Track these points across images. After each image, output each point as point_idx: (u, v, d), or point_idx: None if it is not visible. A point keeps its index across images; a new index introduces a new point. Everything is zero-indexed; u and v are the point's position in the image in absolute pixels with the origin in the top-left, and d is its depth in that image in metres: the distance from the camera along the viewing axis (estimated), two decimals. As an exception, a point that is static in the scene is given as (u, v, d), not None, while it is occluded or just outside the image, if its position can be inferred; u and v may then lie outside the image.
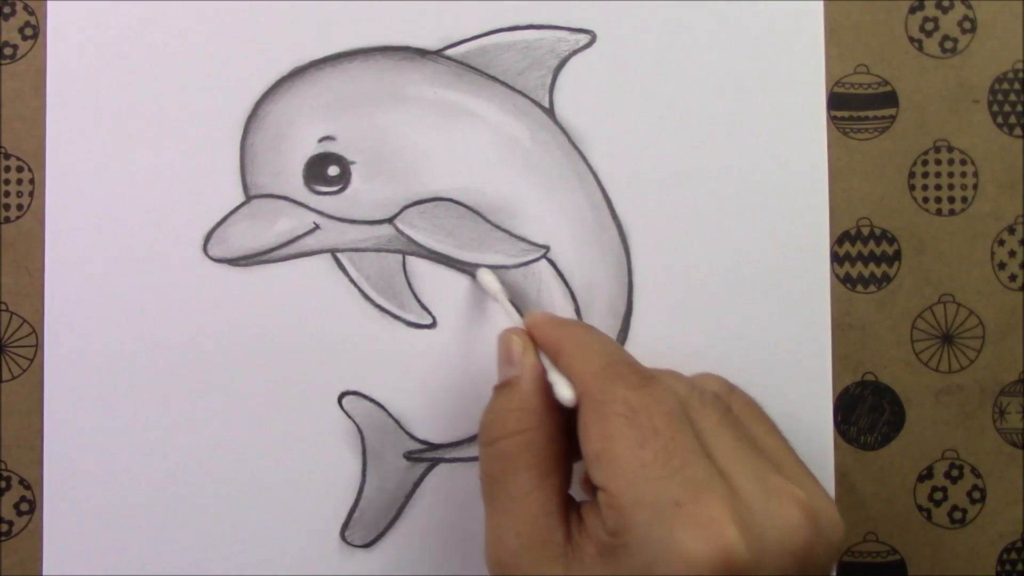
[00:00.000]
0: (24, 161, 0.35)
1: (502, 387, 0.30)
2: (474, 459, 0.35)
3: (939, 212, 0.36)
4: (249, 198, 0.35)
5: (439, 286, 0.35)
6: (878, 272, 0.36)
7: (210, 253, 0.35)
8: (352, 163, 0.35)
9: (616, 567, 0.25)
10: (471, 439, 0.35)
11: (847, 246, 0.36)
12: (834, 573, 0.27)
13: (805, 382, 0.35)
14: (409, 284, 0.35)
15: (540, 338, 0.30)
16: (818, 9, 0.36)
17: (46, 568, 0.34)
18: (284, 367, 0.35)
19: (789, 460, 0.29)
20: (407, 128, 0.35)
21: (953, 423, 0.36)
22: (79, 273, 0.34)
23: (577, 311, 0.35)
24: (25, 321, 0.35)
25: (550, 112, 0.35)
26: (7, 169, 0.35)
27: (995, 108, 0.36)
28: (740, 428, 0.28)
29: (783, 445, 0.29)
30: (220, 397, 0.35)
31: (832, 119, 0.36)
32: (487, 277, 0.34)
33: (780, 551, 0.25)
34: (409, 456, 0.35)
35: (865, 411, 0.36)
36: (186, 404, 0.34)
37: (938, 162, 0.36)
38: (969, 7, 0.36)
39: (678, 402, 0.27)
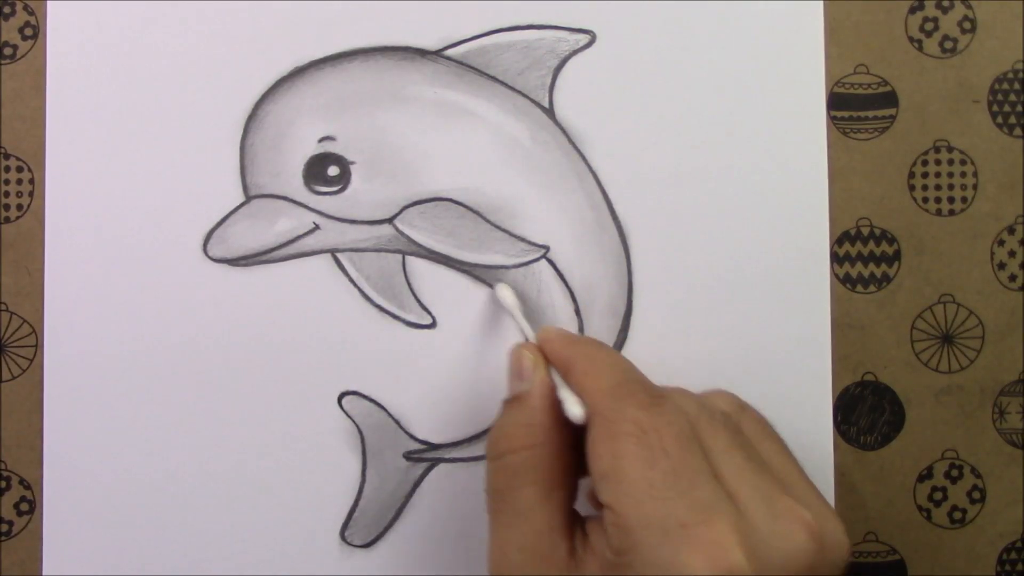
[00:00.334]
0: (24, 161, 0.35)
1: (511, 402, 0.29)
2: (474, 459, 0.35)
3: (939, 212, 0.36)
4: (249, 198, 0.35)
5: (439, 286, 0.35)
6: (878, 272, 0.36)
7: (210, 253, 0.35)
8: (352, 163, 0.35)
9: None
10: (471, 439, 0.35)
11: (847, 246, 0.36)
12: None
13: (805, 382, 0.35)
14: (409, 284, 0.35)
15: (551, 354, 0.30)
16: (818, 9, 0.36)
17: (46, 568, 0.34)
18: (284, 367, 0.35)
19: (797, 480, 0.29)
20: (407, 128, 0.35)
21: (953, 423, 0.36)
22: (79, 273, 0.34)
23: (577, 311, 0.35)
24: (25, 321, 0.35)
25: (550, 112, 0.35)
26: (7, 169, 0.35)
27: (995, 108, 0.36)
28: (749, 448, 0.28)
29: (792, 464, 0.29)
30: (220, 397, 0.35)
31: (832, 119, 0.36)
32: (505, 292, 0.34)
33: (784, 573, 0.25)
34: (409, 456, 0.35)
35: (865, 411, 0.36)
36: (186, 404, 0.34)
37: (938, 162, 0.36)
38: (969, 7, 0.36)
39: (688, 422, 0.27)
